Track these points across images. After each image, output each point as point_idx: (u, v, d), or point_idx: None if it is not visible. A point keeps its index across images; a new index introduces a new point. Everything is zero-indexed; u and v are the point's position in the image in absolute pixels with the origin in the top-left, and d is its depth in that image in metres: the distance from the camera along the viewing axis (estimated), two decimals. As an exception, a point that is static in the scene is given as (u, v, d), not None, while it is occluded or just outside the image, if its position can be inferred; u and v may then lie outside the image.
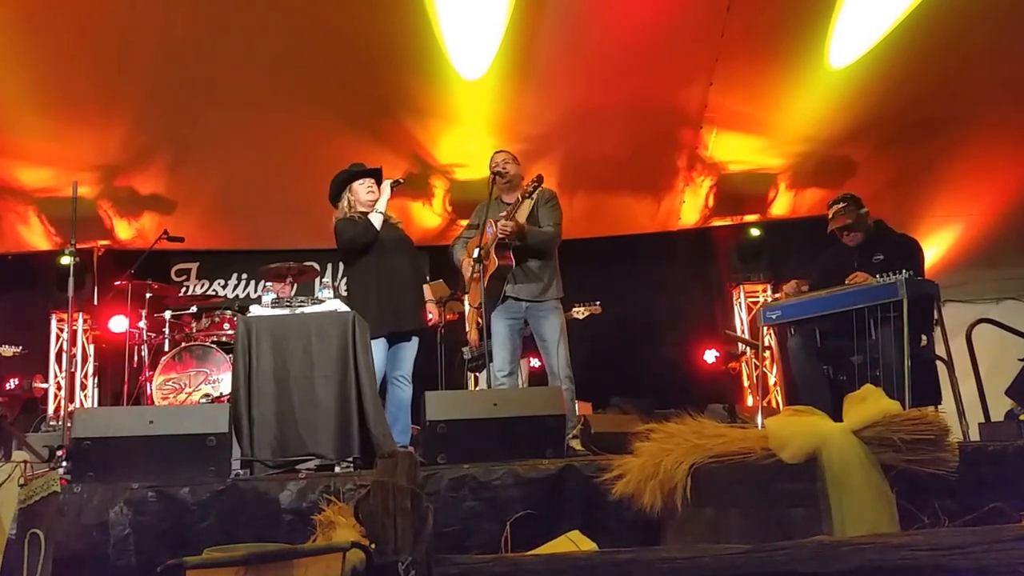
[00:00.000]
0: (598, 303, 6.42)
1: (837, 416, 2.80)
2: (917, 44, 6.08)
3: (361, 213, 4.77)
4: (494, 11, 6.01)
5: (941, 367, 4.28)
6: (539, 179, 4.70)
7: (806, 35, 6.23)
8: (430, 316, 6.01)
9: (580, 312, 6.40)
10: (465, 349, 6.28)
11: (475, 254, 4.65)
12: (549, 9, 5.97)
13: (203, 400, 5.88)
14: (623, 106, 6.75)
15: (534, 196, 4.72)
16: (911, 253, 4.52)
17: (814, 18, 6.09)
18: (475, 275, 4.76)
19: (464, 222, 5.82)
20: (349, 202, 4.80)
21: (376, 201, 4.79)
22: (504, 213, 4.68)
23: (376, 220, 4.73)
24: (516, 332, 4.79)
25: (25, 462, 2.96)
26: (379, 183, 4.87)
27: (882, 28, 6.09)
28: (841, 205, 4.64)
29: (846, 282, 4.27)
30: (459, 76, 6.47)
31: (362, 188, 4.81)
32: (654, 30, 6.16)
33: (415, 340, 4.81)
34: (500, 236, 4.58)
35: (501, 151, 5.00)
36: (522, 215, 4.71)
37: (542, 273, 4.75)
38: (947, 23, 5.94)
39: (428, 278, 7.69)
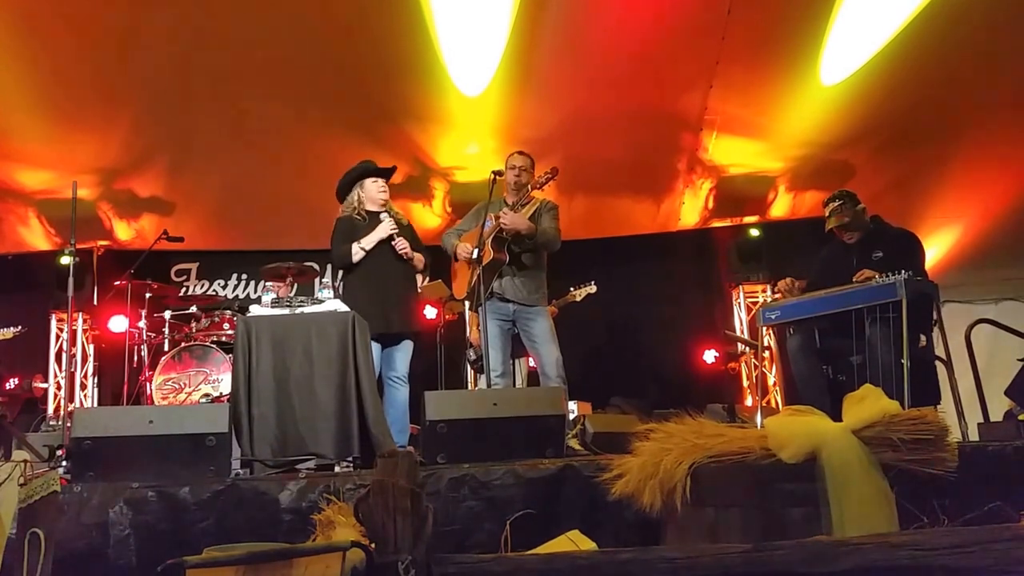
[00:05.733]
0: (592, 282, 6.42)
1: (836, 416, 2.80)
2: (916, 51, 6.10)
3: (368, 211, 4.79)
4: (495, 24, 6.02)
5: (940, 367, 4.28)
6: (554, 171, 4.68)
7: (806, 39, 6.24)
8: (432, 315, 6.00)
9: (578, 294, 6.39)
10: (470, 350, 6.29)
11: (475, 254, 4.64)
12: (550, 16, 5.98)
13: (203, 400, 5.88)
14: (624, 110, 6.76)
15: (540, 196, 4.72)
16: (911, 249, 4.49)
17: (813, 23, 6.10)
18: (465, 259, 4.78)
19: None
20: (359, 198, 4.80)
21: (386, 200, 4.83)
22: (506, 208, 4.69)
23: (357, 256, 4.70)
24: (505, 332, 4.81)
25: (25, 461, 2.96)
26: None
27: (881, 36, 6.10)
28: (837, 203, 4.55)
29: (853, 281, 4.24)
30: (460, 92, 6.50)
31: (375, 186, 4.82)
32: (655, 34, 6.17)
33: (408, 343, 4.79)
34: (502, 224, 4.57)
35: (521, 153, 4.96)
36: (522, 208, 4.73)
37: (532, 276, 4.77)
38: (946, 30, 5.95)
39: (427, 279, 7.70)
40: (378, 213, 4.82)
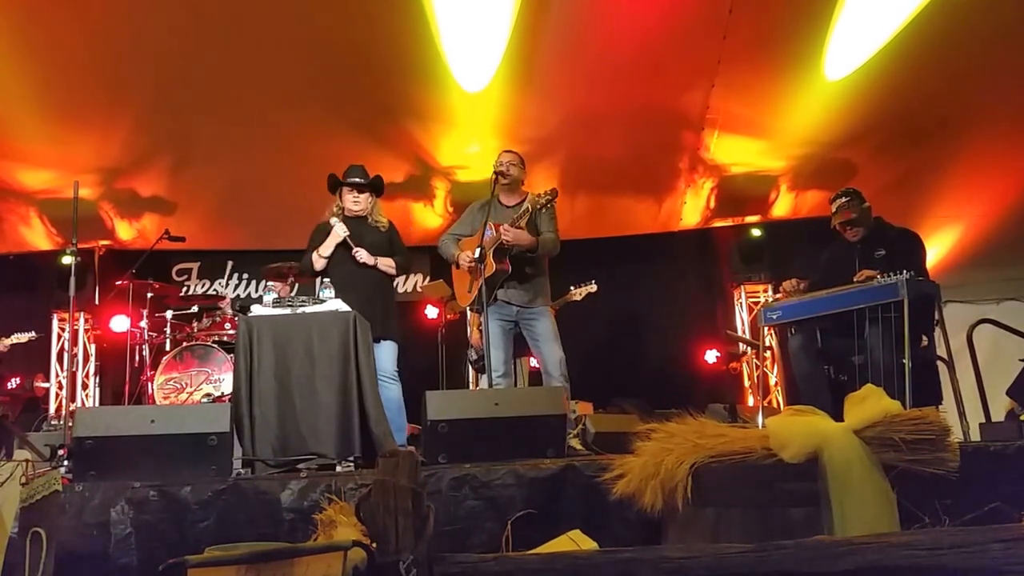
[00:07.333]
0: (592, 281, 6.42)
1: (838, 416, 2.80)
2: (918, 50, 6.08)
3: (346, 218, 4.89)
4: (496, 22, 6.00)
5: (942, 367, 4.27)
6: (553, 193, 4.66)
7: (808, 38, 6.23)
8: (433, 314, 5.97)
9: (578, 293, 6.39)
10: (470, 351, 6.29)
11: (476, 253, 4.63)
12: (551, 13, 5.97)
13: (204, 400, 5.88)
14: (625, 109, 6.75)
15: (542, 209, 4.71)
16: (913, 247, 4.50)
17: (815, 22, 6.09)
18: (467, 268, 4.76)
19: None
20: (338, 204, 4.95)
21: (360, 210, 4.90)
22: (510, 221, 4.68)
23: (318, 264, 4.86)
24: (507, 333, 4.81)
25: (27, 461, 2.96)
26: (378, 191, 4.99)
27: (883, 35, 6.09)
28: (844, 200, 4.58)
29: (853, 281, 4.24)
30: (461, 89, 6.49)
31: (349, 196, 4.93)
32: (657, 33, 6.15)
33: (388, 343, 4.77)
34: (504, 241, 4.57)
35: (508, 151, 5.00)
36: (522, 221, 4.72)
37: (534, 280, 4.78)
38: (948, 29, 5.93)
39: (428, 279, 7.70)
40: (358, 219, 4.91)
